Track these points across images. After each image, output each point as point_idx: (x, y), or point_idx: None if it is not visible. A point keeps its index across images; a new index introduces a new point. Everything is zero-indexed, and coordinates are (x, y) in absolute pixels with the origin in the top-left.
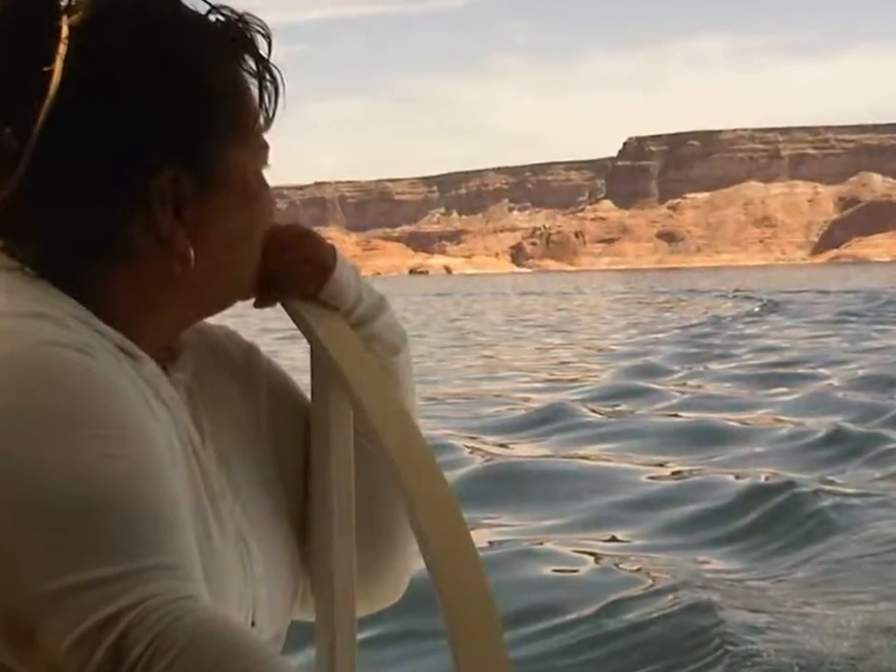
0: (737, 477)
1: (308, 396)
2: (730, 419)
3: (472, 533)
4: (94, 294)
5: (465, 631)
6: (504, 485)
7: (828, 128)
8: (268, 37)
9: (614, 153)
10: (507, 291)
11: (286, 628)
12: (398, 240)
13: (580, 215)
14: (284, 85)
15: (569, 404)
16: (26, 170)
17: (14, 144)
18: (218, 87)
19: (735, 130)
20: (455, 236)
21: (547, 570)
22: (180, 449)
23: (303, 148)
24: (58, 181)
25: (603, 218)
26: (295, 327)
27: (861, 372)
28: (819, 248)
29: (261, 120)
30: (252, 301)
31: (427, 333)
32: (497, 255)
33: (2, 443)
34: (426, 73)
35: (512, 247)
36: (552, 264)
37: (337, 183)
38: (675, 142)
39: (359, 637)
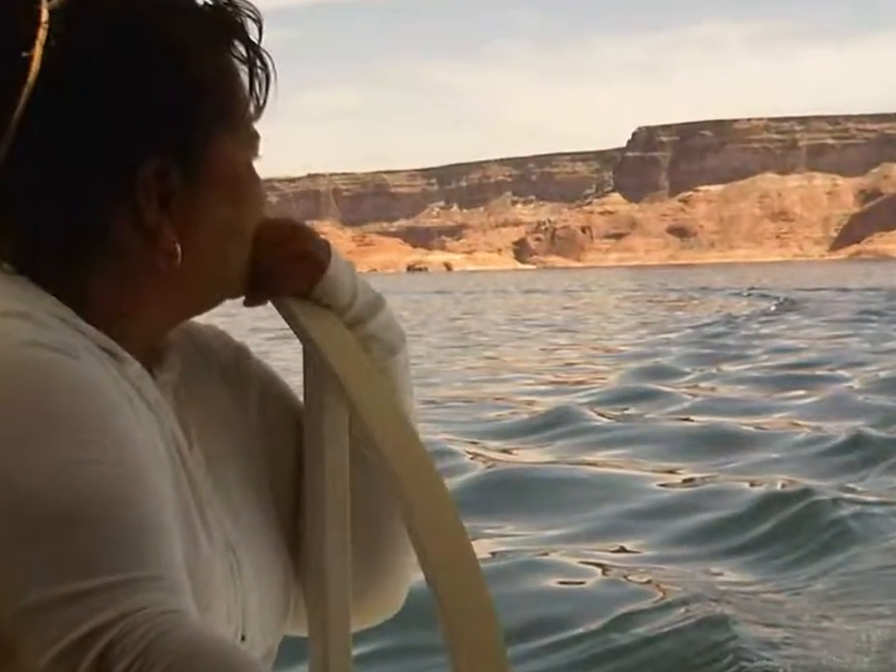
0: (752, 484)
1: (301, 399)
2: (744, 423)
3: (473, 543)
4: (76, 292)
5: (465, 646)
6: (507, 493)
7: (848, 117)
8: (258, 22)
9: (623, 143)
10: (510, 289)
11: (277, 643)
12: (395, 235)
13: (586, 208)
14: (275, 72)
15: (576, 408)
16: (4, 161)
17: None
18: (207, 74)
19: (749, 119)
20: (456, 231)
21: (552, 582)
22: (166, 454)
23: (296, 139)
24: (37, 173)
25: (611, 212)
26: (287, 326)
27: (882, 374)
28: (838, 244)
29: (252, 109)
30: (242, 298)
31: (427, 333)
32: (499, 251)
33: None
34: (425, 59)
35: (516, 243)
36: (557, 260)
37: (331, 175)
38: (687, 132)
39: (355, 652)
